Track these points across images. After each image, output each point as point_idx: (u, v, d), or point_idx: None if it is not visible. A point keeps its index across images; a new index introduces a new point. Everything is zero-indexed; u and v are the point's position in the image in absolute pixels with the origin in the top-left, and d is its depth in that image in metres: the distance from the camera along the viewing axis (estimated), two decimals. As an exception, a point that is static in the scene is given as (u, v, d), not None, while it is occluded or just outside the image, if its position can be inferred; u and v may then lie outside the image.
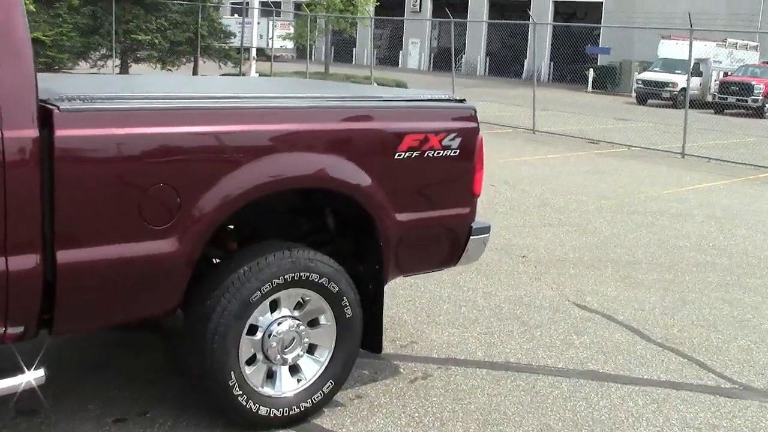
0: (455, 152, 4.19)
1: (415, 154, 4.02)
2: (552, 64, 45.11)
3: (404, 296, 6.09)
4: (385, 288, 4.24)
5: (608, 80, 37.14)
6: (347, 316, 3.91)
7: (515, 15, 45.56)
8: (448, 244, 4.40)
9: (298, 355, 3.84)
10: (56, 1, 23.84)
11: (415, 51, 51.98)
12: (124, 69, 26.62)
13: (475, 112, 4.36)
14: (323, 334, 3.92)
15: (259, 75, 27.55)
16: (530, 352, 5.17)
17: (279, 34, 36.12)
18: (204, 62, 28.41)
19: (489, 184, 11.22)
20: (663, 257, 7.82)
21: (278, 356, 3.76)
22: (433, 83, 25.75)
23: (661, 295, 6.56)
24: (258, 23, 38.66)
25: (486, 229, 4.56)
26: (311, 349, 3.92)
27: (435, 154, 4.11)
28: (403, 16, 48.74)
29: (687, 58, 17.39)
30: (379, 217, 3.92)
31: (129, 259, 3.25)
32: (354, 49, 52.99)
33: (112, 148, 3.17)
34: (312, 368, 3.91)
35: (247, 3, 29.43)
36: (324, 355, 3.94)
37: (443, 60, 44.81)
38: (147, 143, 3.26)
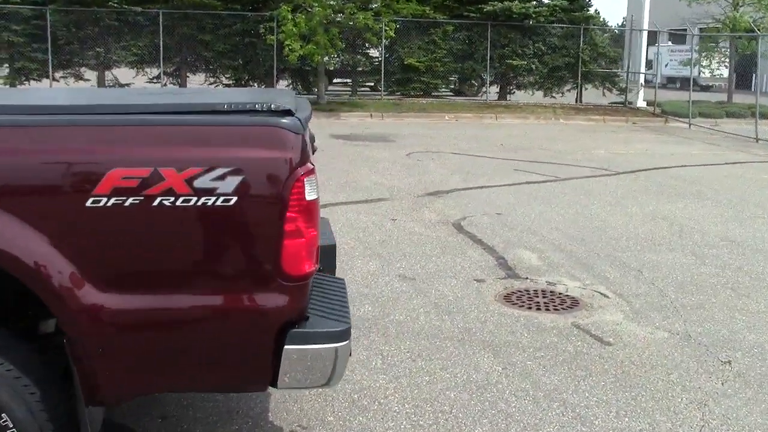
0: (228, 199, 2.53)
1: (130, 200, 2.48)
2: None
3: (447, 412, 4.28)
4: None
5: None
6: (13, 442, 2.52)
7: None
8: (229, 353, 2.70)
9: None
10: (432, 28, 24.17)
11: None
12: (502, 96, 26.12)
13: (296, 131, 2.58)
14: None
15: (647, 104, 25.07)
16: None
17: (681, 60, 32.78)
18: (586, 89, 26.66)
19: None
20: None
21: None
22: None
23: None
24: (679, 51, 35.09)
25: (339, 335, 2.72)
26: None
27: (177, 202, 2.51)
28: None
29: None
30: (49, 296, 2.46)
31: None
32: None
33: None
34: None
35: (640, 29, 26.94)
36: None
37: None
38: None
